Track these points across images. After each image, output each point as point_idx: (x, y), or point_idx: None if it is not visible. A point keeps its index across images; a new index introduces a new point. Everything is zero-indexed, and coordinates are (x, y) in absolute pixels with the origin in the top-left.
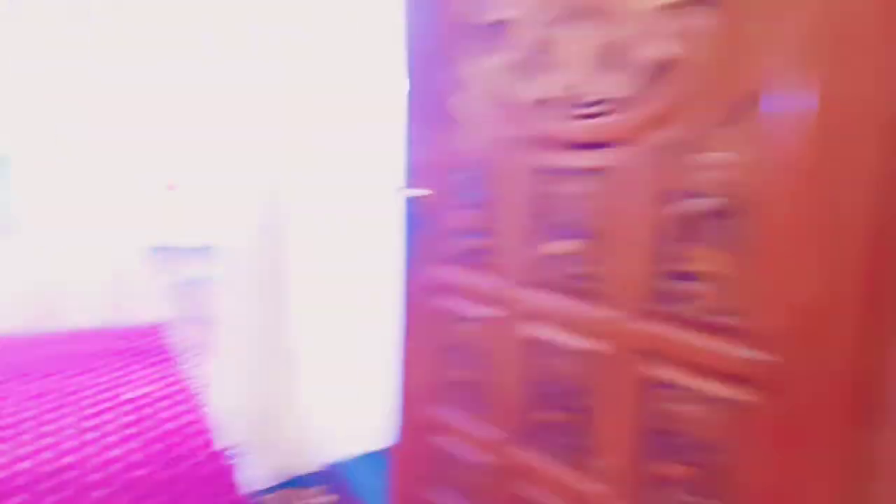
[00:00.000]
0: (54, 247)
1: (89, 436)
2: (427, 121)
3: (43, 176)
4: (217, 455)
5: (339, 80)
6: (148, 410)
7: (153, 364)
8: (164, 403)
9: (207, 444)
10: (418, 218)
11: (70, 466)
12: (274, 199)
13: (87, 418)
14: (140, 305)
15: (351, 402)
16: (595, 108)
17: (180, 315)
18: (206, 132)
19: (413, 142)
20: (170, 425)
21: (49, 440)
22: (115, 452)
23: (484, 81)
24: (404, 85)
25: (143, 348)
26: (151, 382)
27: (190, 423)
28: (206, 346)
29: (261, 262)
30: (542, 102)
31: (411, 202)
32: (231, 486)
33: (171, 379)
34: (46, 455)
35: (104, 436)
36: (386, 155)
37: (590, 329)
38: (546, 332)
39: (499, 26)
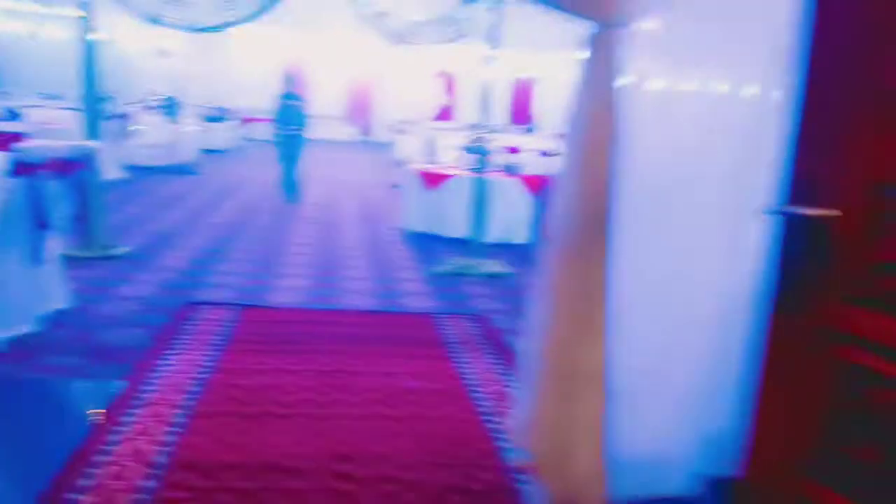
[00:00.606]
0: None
1: (366, 424)
2: (839, 127)
3: None
4: (496, 468)
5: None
6: (425, 405)
7: (431, 356)
8: (442, 400)
9: (487, 453)
10: (806, 243)
11: (347, 456)
12: (593, 199)
13: (365, 404)
14: (412, 294)
15: (664, 435)
16: None
17: (455, 306)
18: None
19: (805, 151)
20: (446, 426)
21: (324, 424)
22: (388, 447)
23: None
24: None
25: (421, 338)
26: (430, 375)
27: (468, 427)
28: (484, 343)
29: (576, 263)
30: None
31: (796, 222)
32: None
33: (451, 374)
34: (318, 441)
35: (381, 427)
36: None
37: None
38: None
39: None
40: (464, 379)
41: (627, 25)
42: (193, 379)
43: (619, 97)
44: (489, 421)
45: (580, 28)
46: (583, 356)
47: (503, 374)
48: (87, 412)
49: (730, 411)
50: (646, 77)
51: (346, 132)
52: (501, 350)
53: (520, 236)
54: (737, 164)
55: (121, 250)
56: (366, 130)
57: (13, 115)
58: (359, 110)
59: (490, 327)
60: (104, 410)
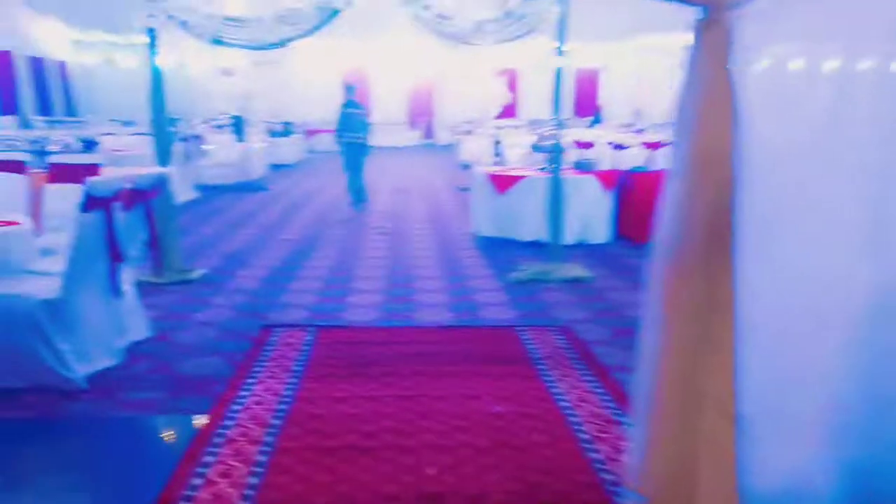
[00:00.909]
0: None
1: (453, 456)
2: None
3: None
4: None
5: None
6: (515, 432)
7: (517, 374)
8: (533, 425)
9: (589, 487)
10: None
11: (438, 496)
12: (712, 202)
13: (450, 432)
14: (490, 304)
15: (803, 465)
16: None
17: (536, 316)
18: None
19: None
20: (541, 456)
21: (411, 458)
22: (479, 484)
23: None
24: None
25: (505, 354)
26: (517, 396)
27: (565, 457)
28: (572, 359)
29: (696, 277)
30: None
31: None
32: None
33: (540, 395)
34: (407, 478)
35: (468, 459)
36: None
37: None
38: None
39: None
40: (555, 400)
41: (740, 6)
42: (274, 410)
43: (735, 85)
44: (589, 449)
45: (685, 13)
46: (708, 382)
47: (598, 394)
48: (168, 453)
49: (882, 437)
50: (764, 60)
51: (409, 137)
52: (593, 365)
53: (597, 236)
54: (877, 148)
55: (195, 274)
56: (428, 134)
57: (89, 145)
58: (420, 114)
59: (577, 339)
60: (186, 451)
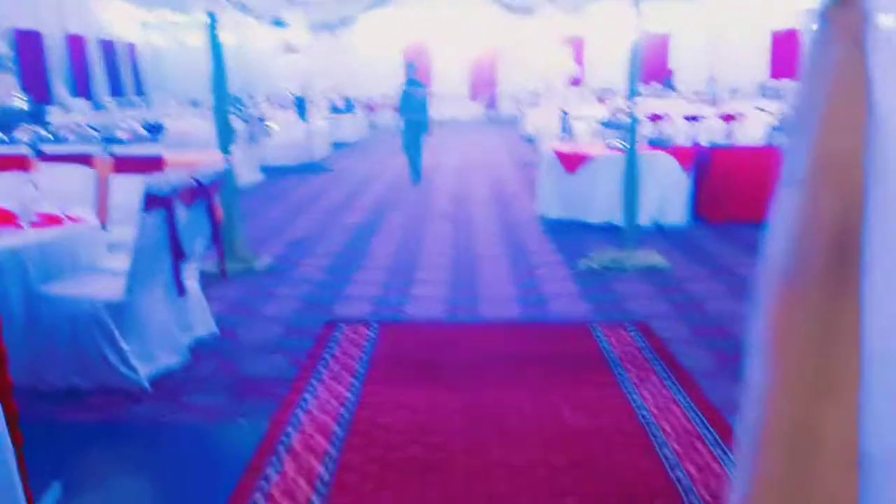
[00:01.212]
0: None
1: (526, 477)
2: None
3: None
4: None
5: None
6: (593, 448)
7: (592, 380)
8: (612, 440)
9: None
10: None
11: None
12: (838, 213)
13: (522, 448)
14: (560, 296)
15: None
16: None
17: (612, 311)
18: None
19: None
20: (622, 478)
21: (481, 477)
22: None
23: None
24: None
25: (579, 354)
26: (594, 405)
27: (651, 480)
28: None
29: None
30: None
31: None
32: None
33: (618, 403)
34: (481, 502)
35: (543, 480)
36: None
37: None
38: None
39: None
40: (636, 411)
41: None
42: (337, 417)
43: (871, 77)
44: (676, 472)
45: None
46: (828, 421)
47: (682, 403)
48: (231, 463)
49: None
50: None
51: (471, 109)
52: (674, 368)
53: (674, 217)
54: None
55: (260, 263)
56: (491, 105)
57: (153, 129)
58: (483, 85)
59: (655, 337)
60: (249, 462)
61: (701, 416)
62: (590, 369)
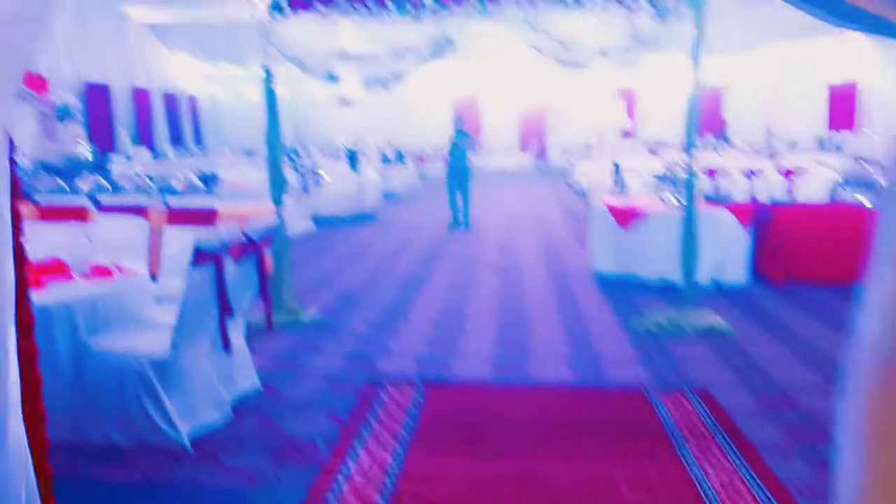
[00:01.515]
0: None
1: None
2: None
3: None
4: None
5: None
6: None
7: (651, 453)
8: None
9: None
10: None
11: None
12: None
13: None
14: (615, 360)
15: None
16: None
17: (670, 377)
18: None
19: None
20: None
21: None
22: None
23: None
24: None
25: (635, 425)
26: (654, 483)
27: None
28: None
29: None
30: None
31: None
32: None
33: (681, 481)
34: None
35: None
36: None
37: None
38: None
39: None
40: (700, 490)
41: None
42: (380, 487)
43: None
44: None
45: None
46: None
47: (748, 481)
48: None
49: None
50: None
51: (520, 160)
52: (739, 442)
53: (733, 276)
54: None
55: (307, 315)
56: (541, 156)
57: (208, 180)
58: (533, 136)
59: (718, 407)
60: None
61: (767, 493)
62: (649, 441)
